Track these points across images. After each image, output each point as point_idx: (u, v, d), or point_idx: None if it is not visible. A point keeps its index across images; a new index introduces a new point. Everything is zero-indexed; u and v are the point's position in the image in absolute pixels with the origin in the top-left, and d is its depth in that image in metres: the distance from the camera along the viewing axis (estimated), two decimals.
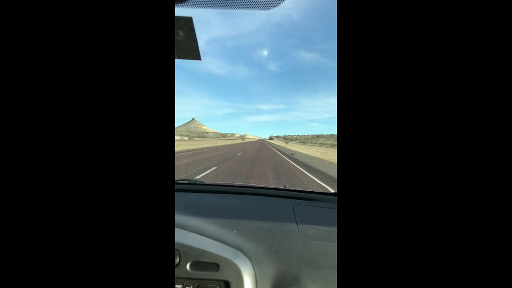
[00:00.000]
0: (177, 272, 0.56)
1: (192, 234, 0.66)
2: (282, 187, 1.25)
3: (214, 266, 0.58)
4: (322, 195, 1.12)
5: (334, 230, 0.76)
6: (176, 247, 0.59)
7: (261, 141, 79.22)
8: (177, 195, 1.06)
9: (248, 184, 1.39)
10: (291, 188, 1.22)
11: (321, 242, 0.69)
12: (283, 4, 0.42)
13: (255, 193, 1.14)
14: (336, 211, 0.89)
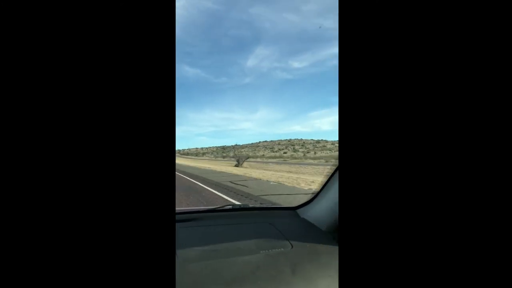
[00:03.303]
0: None
1: None
2: None
3: None
4: (205, 213, 1.08)
5: (215, 247, 0.78)
6: None
7: None
8: None
9: None
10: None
11: (201, 263, 0.69)
12: None
13: None
14: (217, 226, 0.93)
